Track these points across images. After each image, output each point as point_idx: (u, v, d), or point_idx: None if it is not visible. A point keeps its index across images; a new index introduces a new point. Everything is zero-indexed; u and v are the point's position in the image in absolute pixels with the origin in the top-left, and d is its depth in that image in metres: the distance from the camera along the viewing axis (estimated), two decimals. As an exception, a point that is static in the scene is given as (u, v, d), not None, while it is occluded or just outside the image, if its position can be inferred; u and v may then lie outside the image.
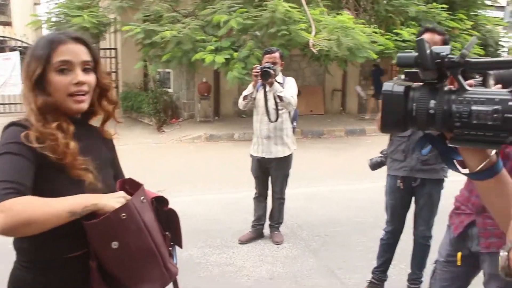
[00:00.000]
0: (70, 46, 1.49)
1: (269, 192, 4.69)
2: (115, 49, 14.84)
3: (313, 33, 9.86)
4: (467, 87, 0.97)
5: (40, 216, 1.29)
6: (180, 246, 1.72)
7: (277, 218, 4.67)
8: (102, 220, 1.38)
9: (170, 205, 1.65)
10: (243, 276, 3.90)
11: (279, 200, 4.63)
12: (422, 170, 3.17)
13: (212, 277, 3.88)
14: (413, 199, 3.35)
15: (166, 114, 11.93)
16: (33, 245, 1.47)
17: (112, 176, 1.67)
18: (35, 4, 34.20)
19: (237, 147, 9.66)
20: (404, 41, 11.57)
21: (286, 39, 9.44)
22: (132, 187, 1.59)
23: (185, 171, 7.66)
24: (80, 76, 1.48)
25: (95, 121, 1.68)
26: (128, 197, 1.44)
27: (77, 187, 1.45)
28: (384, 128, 1.07)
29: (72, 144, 1.45)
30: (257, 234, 4.67)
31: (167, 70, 12.64)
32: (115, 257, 1.43)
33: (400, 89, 1.02)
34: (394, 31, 11.83)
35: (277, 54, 4.43)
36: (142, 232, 1.46)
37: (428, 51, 0.97)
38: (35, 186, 1.38)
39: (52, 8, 12.47)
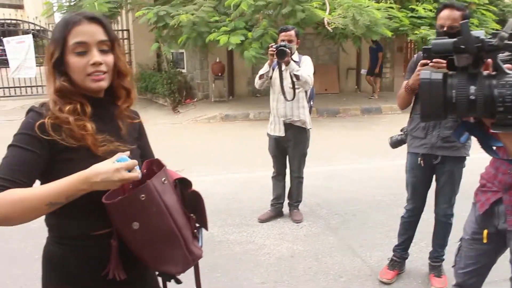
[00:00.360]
0: (85, 27, 1.47)
1: (287, 171, 4.71)
2: (127, 30, 14.82)
3: (327, 11, 9.74)
4: (508, 71, 0.95)
5: (17, 211, 1.31)
6: (206, 228, 1.72)
7: (296, 197, 4.69)
8: (119, 201, 1.40)
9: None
10: (264, 254, 3.94)
11: (297, 179, 4.64)
12: (443, 147, 3.14)
13: (233, 255, 3.93)
14: (434, 177, 3.33)
15: (181, 95, 11.95)
16: (62, 222, 1.52)
17: (139, 155, 1.67)
18: (47, -14, 34.13)
19: (253, 127, 9.66)
20: (419, 17, 11.37)
21: (300, 18, 9.32)
22: (159, 168, 1.58)
23: (202, 151, 7.70)
24: (97, 56, 1.47)
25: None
26: (130, 162, 1.40)
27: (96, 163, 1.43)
28: (424, 117, 1.05)
29: (89, 125, 1.47)
30: (276, 213, 4.71)
31: (180, 50, 12.60)
32: (136, 237, 1.45)
33: (439, 76, 1.00)
34: (409, 7, 11.62)
35: (292, 32, 4.39)
36: (162, 214, 1.46)
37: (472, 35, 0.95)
38: (58, 173, 1.40)
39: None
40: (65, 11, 12.37)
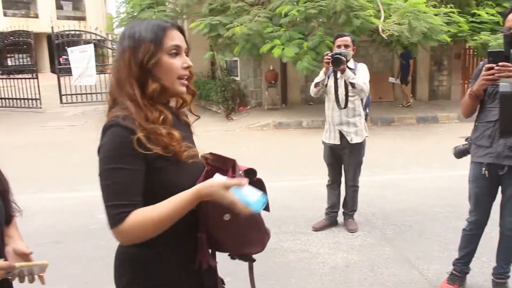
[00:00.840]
0: (176, 32, 1.53)
1: (342, 179, 4.66)
2: (184, 39, 15.16)
3: (382, 18, 9.59)
4: None
5: (149, 232, 1.43)
6: (268, 210, 1.76)
7: (351, 206, 4.63)
8: None
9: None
10: (319, 263, 3.91)
11: (352, 187, 4.59)
12: (510, 156, 2.99)
13: (287, 263, 3.92)
14: (500, 188, 3.19)
15: (234, 102, 12.09)
16: None
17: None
18: (106, -2, 35.61)
19: (306, 135, 9.63)
20: (480, 22, 10.98)
21: (356, 25, 9.22)
22: (216, 161, 1.69)
23: (255, 158, 7.71)
24: (188, 60, 1.54)
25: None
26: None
27: (184, 170, 1.55)
28: (504, 133, 1.00)
29: (176, 134, 1.51)
30: (331, 222, 4.66)
31: (234, 58, 12.76)
32: (226, 227, 1.54)
33: None
34: (470, 12, 11.23)
35: (348, 38, 4.37)
36: None
37: None
38: (148, 182, 1.47)
39: (126, 7, 12.89)
40: (125, 24, 12.81)
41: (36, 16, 31.01)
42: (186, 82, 1.56)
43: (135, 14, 12.12)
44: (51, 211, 5.32)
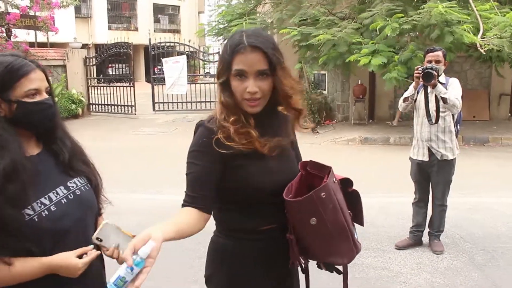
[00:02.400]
0: (248, 56, 1.56)
1: (429, 198, 4.48)
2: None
3: (481, 32, 9.11)
4: None
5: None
6: (362, 224, 1.81)
7: (437, 226, 4.43)
8: (306, 198, 1.55)
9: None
10: (400, 282, 3.78)
11: (440, 207, 4.39)
12: None
13: (367, 279, 3.84)
14: None
15: (321, 116, 12.04)
16: (227, 217, 1.73)
17: (294, 155, 1.85)
18: (200, 12, 37.14)
19: (393, 151, 9.36)
20: None
21: (448, 41, 8.83)
22: (313, 168, 1.75)
23: (340, 172, 7.63)
24: (251, 86, 1.57)
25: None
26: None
27: (266, 168, 1.65)
28: None
29: (252, 132, 1.62)
30: (415, 241, 4.49)
31: (322, 72, 12.74)
32: (313, 232, 1.59)
33: None
34: None
35: (440, 53, 4.23)
36: (337, 210, 1.60)
37: None
38: (233, 177, 1.62)
39: (216, 17, 13.36)
40: (215, 33, 13.26)
41: (136, 29, 33.01)
42: (254, 103, 1.60)
43: (225, 25, 12.49)
44: (139, 211, 5.62)
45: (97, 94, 16.37)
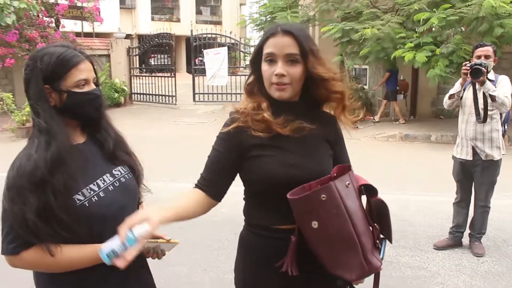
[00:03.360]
0: (279, 39, 1.57)
1: (472, 198, 4.35)
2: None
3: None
4: None
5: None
6: (390, 240, 1.65)
7: (479, 228, 4.30)
8: (300, 198, 1.47)
9: (364, 202, 1.61)
10: (437, 283, 3.70)
11: (483, 208, 4.26)
12: None
13: (404, 278, 3.77)
14: None
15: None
16: (247, 210, 1.73)
17: (328, 155, 1.71)
18: (241, 4, 37.22)
19: (434, 149, 9.14)
20: None
21: (497, 35, 8.47)
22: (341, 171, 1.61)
23: (378, 169, 7.52)
24: (280, 68, 1.56)
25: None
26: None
27: (281, 158, 1.60)
28: None
29: (266, 114, 1.61)
30: (454, 242, 4.37)
31: (364, 66, 12.53)
32: (315, 236, 1.49)
33: None
34: None
35: (490, 48, 4.08)
36: (341, 217, 1.47)
37: None
38: (250, 167, 1.62)
39: (258, 8, 13.34)
40: (258, 23, 13.22)
41: (178, 21, 33.39)
42: (282, 87, 1.58)
43: (267, 17, 12.46)
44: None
45: (139, 83, 16.71)
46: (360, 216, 1.53)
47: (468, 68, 3.89)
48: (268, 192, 1.61)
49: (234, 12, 35.30)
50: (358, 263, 1.49)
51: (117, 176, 1.68)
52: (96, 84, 1.64)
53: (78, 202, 1.51)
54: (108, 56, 16.56)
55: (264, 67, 1.60)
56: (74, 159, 1.52)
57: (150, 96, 16.28)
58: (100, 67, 16.16)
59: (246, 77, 1.78)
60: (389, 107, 12.00)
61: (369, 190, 1.62)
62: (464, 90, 4.14)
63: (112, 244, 1.41)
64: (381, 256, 1.60)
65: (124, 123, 12.79)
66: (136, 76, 17.13)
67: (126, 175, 1.72)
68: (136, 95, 16.81)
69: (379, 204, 1.61)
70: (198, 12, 35.64)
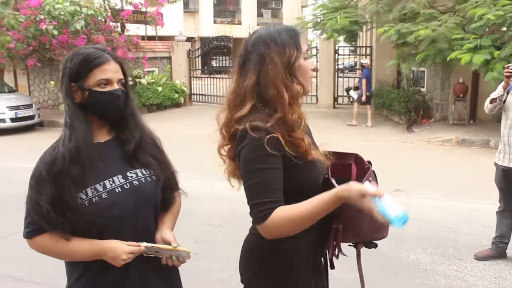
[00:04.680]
0: (304, 36, 1.70)
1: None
2: (371, 47, 15.06)
3: None
4: None
5: (293, 228, 1.52)
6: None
7: (523, 239, 4.13)
8: (370, 170, 1.66)
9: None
10: (473, 294, 3.61)
11: (527, 218, 4.09)
12: None
13: (437, 287, 3.70)
14: None
15: (417, 114, 11.57)
16: None
17: None
18: (303, 6, 37.15)
19: (491, 155, 8.66)
20: None
21: None
22: (336, 158, 1.74)
23: (429, 173, 7.36)
24: (314, 63, 1.67)
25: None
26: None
27: (314, 168, 1.63)
28: None
29: (306, 139, 1.58)
30: (497, 253, 4.22)
31: (422, 69, 12.21)
32: (361, 215, 1.51)
33: None
34: None
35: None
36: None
37: None
38: (289, 173, 1.56)
39: (313, 10, 13.34)
40: (311, 26, 13.21)
41: (239, 23, 33.88)
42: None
43: (321, 18, 12.43)
44: (220, 198, 5.80)
45: (199, 84, 17.17)
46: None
47: (511, 70, 3.77)
48: (297, 199, 1.53)
49: (296, 14, 35.21)
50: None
51: (130, 178, 1.67)
52: (125, 85, 1.69)
53: (79, 200, 1.57)
54: (169, 58, 17.15)
55: (305, 63, 1.63)
56: (88, 157, 1.58)
57: (209, 97, 16.70)
58: (162, 69, 16.79)
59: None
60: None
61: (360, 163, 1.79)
62: (507, 93, 4.00)
63: (390, 208, 1.41)
64: None
65: (183, 122, 13.29)
66: (196, 77, 17.61)
67: (142, 179, 1.69)
68: (195, 95, 17.30)
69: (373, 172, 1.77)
70: (259, 14, 35.96)
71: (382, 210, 1.40)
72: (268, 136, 1.49)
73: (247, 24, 30.18)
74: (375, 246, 1.72)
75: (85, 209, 1.57)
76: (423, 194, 6.10)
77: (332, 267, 1.80)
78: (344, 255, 1.70)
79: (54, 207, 1.53)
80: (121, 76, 1.67)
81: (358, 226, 1.63)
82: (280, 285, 1.67)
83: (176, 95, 15.97)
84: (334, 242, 1.66)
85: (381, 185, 1.77)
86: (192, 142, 9.50)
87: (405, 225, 1.37)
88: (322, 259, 1.78)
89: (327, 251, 1.74)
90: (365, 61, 13.43)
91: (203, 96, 17.02)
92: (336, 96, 15.42)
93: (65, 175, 1.55)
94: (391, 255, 4.20)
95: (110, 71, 1.63)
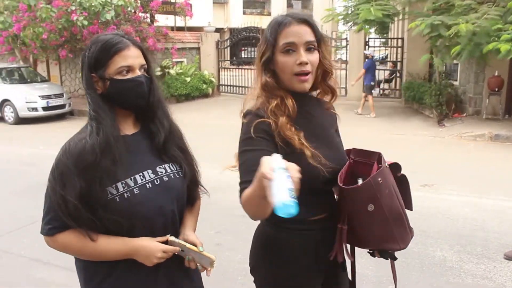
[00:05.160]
0: (295, 28, 1.57)
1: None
2: (402, 38, 14.75)
3: None
4: None
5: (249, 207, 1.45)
6: (411, 209, 1.71)
7: (557, 239, 3.97)
8: (364, 185, 1.52)
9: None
10: (501, 295, 3.48)
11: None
12: None
13: (463, 286, 3.58)
14: None
15: (449, 108, 11.28)
16: None
17: (341, 143, 1.78)
18: (334, -3, 36.62)
19: (526, 151, 8.49)
20: None
21: None
22: (358, 155, 1.72)
23: (459, 169, 7.16)
24: (303, 56, 1.55)
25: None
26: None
27: (301, 161, 1.51)
28: None
29: (281, 120, 1.56)
30: (529, 253, 4.08)
31: (454, 61, 11.87)
32: (369, 219, 1.54)
33: None
34: None
35: None
36: (393, 195, 1.57)
37: None
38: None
39: (343, 1, 13.09)
40: (341, 18, 12.99)
41: (269, 14, 33.69)
42: (305, 78, 1.57)
43: (352, 10, 12.19)
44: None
45: (227, 75, 17.18)
46: (398, 191, 1.62)
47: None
48: (304, 187, 1.50)
49: (326, 5, 34.87)
50: (404, 233, 1.61)
51: (160, 173, 1.60)
52: (148, 71, 1.58)
53: (110, 195, 1.48)
54: (198, 49, 17.19)
55: (283, 58, 1.57)
56: (117, 150, 1.49)
57: (237, 87, 16.69)
58: (191, 60, 16.85)
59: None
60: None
61: (395, 167, 1.69)
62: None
63: (278, 192, 1.18)
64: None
65: (210, 112, 13.33)
66: (224, 68, 17.61)
67: (172, 174, 1.63)
68: (223, 86, 17.32)
69: (403, 178, 1.71)
70: (289, 5, 35.62)
71: (273, 188, 1.18)
72: (257, 121, 1.54)
73: (276, 15, 30.04)
74: (393, 257, 1.67)
75: (116, 205, 1.48)
76: (453, 190, 5.93)
77: (344, 269, 1.77)
78: (349, 258, 1.68)
79: (82, 202, 1.44)
80: (143, 62, 1.57)
81: (367, 233, 1.59)
82: (278, 275, 1.69)
83: (204, 86, 16.02)
84: (340, 243, 1.62)
85: (409, 179, 1.72)
86: (219, 132, 9.52)
87: (287, 216, 1.17)
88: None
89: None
90: (368, 52, 13.66)
91: (231, 87, 17.01)
92: (366, 88, 15.19)
93: (94, 169, 1.46)
94: (416, 251, 4.09)
95: (131, 57, 1.52)
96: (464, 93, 11.91)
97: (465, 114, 11.47)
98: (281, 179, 1.19)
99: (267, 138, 1.54)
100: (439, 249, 4.19)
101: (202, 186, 1.79)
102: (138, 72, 1.54)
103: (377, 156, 1.68)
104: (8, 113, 13.06)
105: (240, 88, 16.49)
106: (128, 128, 1.61)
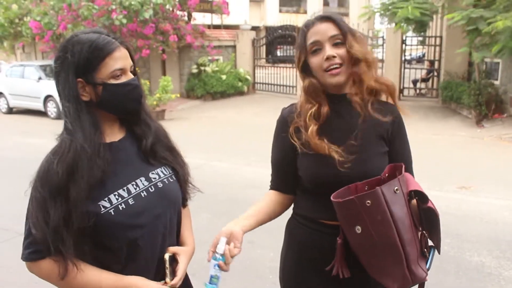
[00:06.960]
0: (317, 27, 1.59)
1: None
2: (440, 37, 14.46)
3: None
4: None
5: None
6: (439, 250, 1.56)
7: None
8: (343, 202, 1.43)
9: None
10: (541, 302, 3.41)
11: None
12: None
13: (502, 292, 3.54)
14: None
15: (489, 108, 10.99)
16: (298, 200, 1.76)
17: (381, 153, 1.64)
18: (371, -5, 36.17)
19: None
20: None
21: None
22: (393, 171, 1.55)
23: (498, 171, 6.99)
24: (328, 51, 1.56)
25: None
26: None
27: (327, 163, 1.57)
28: None
29: (310, 129, 1.59)
30: None
31: (496, 60, 11.55)
32: (358, 241, 1.46)
33: None
34: None
35: None
36: (387, 224, 1.40)
37: None
38: (298, 159, 1.66)
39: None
40: (381, 13, 12.81)
41: (305, 12, 33.55)
42: (337, 71, 1.56)
43: (389, 8, 12.01)
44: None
45: (263, 73, 17.26)
46: (407, 224, 1.43)
47: None
48: (314, 189, 1.64)
49: (363, 3, 34.52)
50: (401, 273, 1.44)
51: (154, 180, 1.49)
52: (134, 72, 1.45)
53: (103, 209, 1.35)
54: (234, 47, 17.32)
55: (313, 59, 1.60)
56: (104, 160, 1.36)
57: (273, 86, 16.73)
58: (227, 57, 17.00)
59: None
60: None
61: (420, 196, 1.49)
62: None
63: (210, 271, 1.46)
64: (427, 266, 1.51)
65: (245, 110, 13.43)
66: (260, 66, 17.69)
67: (165, 179, 1.52)
68: (259, 84, 17.39)
69: (429, 212, 1.49)
70: (326, 3, 35.41)
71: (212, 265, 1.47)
72: (281, 119, 1.73)
73: (312, 13, 29.84)
74: None
75: (112, 218, 1.35)
76: (491, 193, 5.81)
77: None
78: (345, 274, 1.54)
79: (63, 226, 1.29)
80: (131, 62, 1.44)
81: (367, 259, 1.49)
82: (288, 270, 1.78)
83: (240, 84, 16.15)
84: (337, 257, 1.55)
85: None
86: (254, 130, 9.59)
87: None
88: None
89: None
90: None
91: (267, 85, 17.07)
92: (402, 88, 14.95)
93: (69, 190, 1.30)
94: (452, 255, 4.04)
95: (122, 58, 1.39)
96: (505, 93, 11.58)
97: (505, 114, 11.15)
98: (211, 264, 1.46)
99: (284, 140, 1.70)
100: (476, 254, 4.13)
101: (192, 184, 1.67)
102: (130, 75, 1.42)
103: (399, 171, 1.52)
104: (51, 108, 13.52)
105: (276, 86, 16.53)
106: (114, 134, 1.48)
